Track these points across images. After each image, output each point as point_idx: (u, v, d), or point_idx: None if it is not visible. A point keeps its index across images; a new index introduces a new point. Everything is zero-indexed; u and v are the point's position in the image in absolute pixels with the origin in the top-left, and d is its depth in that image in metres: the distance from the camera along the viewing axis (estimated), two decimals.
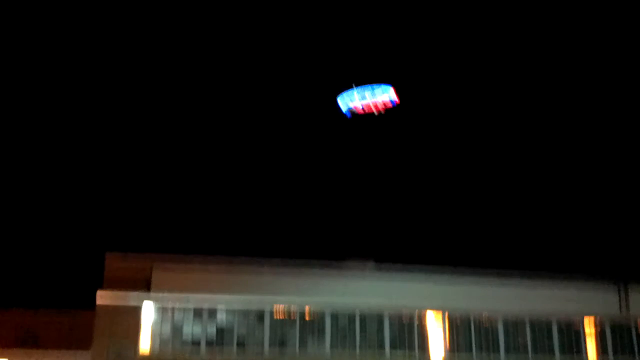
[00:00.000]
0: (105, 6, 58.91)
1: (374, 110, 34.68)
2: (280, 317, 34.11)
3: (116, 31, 57.79)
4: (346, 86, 36.00)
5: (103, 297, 32.45)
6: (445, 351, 34.58)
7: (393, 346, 34.34)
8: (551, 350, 35.84)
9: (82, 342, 32.66)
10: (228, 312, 33.39)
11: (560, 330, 36.14)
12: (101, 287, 32.67)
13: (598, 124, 53.73)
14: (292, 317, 33.96)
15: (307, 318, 34.13)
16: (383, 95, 34.91)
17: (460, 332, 35.30)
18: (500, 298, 35.55)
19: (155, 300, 32.80)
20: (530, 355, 35.39)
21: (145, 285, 33.20)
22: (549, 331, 36.08)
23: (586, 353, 35.87)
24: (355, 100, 35.18)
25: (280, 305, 33.77)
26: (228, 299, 33.22)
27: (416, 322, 34.86)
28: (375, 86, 35.37)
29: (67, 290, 37.36)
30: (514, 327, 35.78)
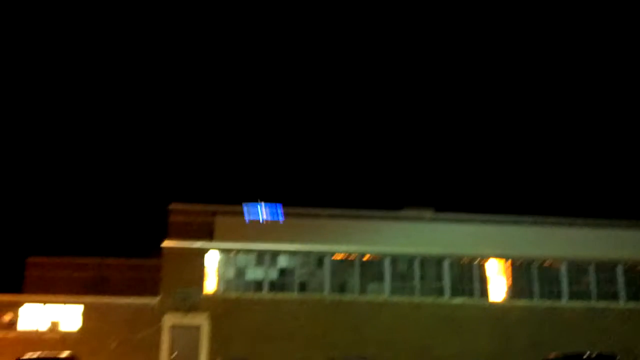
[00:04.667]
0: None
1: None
2: (341, 261, 34.72)
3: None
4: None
5: (169, 245, 33.70)
6: (506, 297, 34.39)
7: (453, 293, 34.39)
8: (615, 296, 35.24)
9: (150, 289, 33.94)
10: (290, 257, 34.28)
11: (626, 276, 35.41)
12: (167, 237, 33.88)
13: None
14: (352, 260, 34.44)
15: (366, 262, 34.63)
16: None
17: (522, 277, 35.04)
18: (563, 243, 35.09)
19: (218, 248, 33.84)
20: (593, 301, 34.93)
21: (208, 235, 34.31)
22: (614, 276, 35.43)
23: None
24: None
25: (340, 254, 34.34)
26: (288, 247, 33.94)
27: (476, 269, 34.82)
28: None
29: (135, 241, 38.87)
30: (577, 272, 35.30)
